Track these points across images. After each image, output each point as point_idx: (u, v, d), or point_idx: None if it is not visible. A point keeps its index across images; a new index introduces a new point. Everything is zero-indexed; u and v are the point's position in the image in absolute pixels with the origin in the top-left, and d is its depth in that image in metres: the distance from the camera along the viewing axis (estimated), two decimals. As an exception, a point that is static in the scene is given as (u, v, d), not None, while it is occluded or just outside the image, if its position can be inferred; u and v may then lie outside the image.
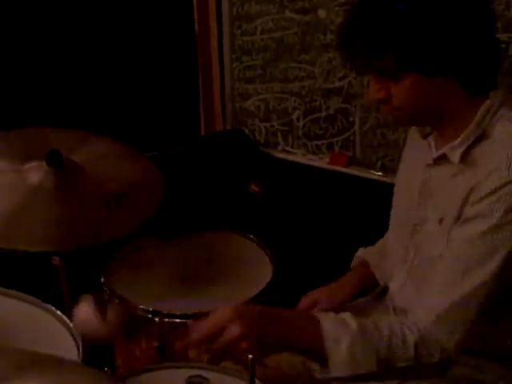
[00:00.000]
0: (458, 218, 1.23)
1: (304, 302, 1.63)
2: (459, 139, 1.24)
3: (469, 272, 1.18)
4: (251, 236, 1.75)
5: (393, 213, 1.54)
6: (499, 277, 1.18)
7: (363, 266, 1.66)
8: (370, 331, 1.19)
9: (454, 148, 1.25)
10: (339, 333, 1.17)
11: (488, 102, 1.23)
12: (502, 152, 1.18)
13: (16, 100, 2.08)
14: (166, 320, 1.45)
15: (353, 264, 1.69)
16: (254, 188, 2.12)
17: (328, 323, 1.19)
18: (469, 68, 1.20)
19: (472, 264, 1.18)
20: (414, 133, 1.45)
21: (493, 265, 1.17)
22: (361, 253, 1.68)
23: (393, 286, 1.48)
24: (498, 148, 1.20)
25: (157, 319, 1.45)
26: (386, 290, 1.55)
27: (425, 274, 1.31)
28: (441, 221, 1.29)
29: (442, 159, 1.30)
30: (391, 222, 1.56)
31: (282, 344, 1.20)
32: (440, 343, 1.19)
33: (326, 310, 1.55)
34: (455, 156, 1.25)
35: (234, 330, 1.13)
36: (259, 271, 1.63)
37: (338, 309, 1.51)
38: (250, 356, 0.96)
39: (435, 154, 1.32)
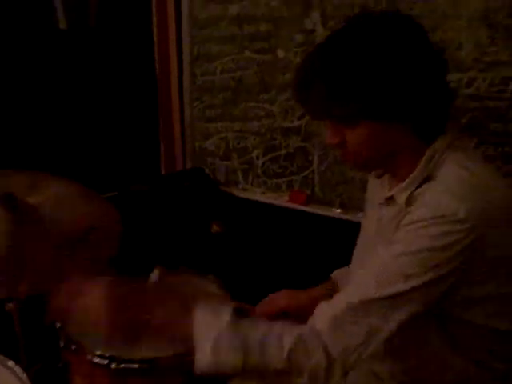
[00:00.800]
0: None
1: (264, 302, 1.63)
2: (405, 182, 1.27)
3: (377, 284, 1.18)
4: (211, 277, 1.74)
5: (355, 253, 1.55)
6: (402, 303, 1.16)
7: (332, 283, 1.65)
8: (242, 327, 1.19)
9: (401, 190, 1.28)
10: (209, 324, 1.18)
11: (435, 146, 1.25)
12: (439, 191, 1.19)
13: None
14: (122, 366, 1.43)
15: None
16: (216, 228, 2.12)
17: (200, 314, 1.20)
18: (421, 115, 1.22)
19: (379, 280, 1.18)
20: (371, 175, 1.48)
21: (397, 288, 1.16)
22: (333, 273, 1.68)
23: None
24: (435, 188, 1.22)
25: (113, 365, 1.42)
26: None
27: None
28: None
29: (391, 199, 1.32)
30: (352, 263, 1.56)
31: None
32: (325, 343, 1.17)
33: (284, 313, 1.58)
34: (401, 198, 1.28)
35: None
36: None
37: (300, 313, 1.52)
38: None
39: (386, 194, 1.34)
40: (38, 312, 1.60)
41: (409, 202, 1.26)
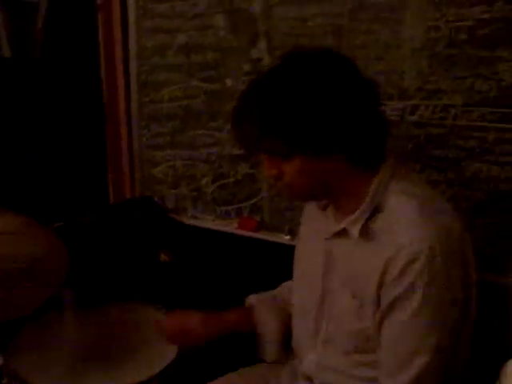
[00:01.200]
0: (378, 299, 1.25)
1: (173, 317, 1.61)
2: (356, 214, 1.28)
3: (412, 354, 1.20)
4: (160, 307, 1.72)
5: (296, 283, 1.56)
6: (445, 351, 1.20)
7: (247, 309, 1.66)
8: None
9: (352, 222, 1.29)
10: None
11: (379, 176, 1.28)
12: (402, 230, 1.22)
13: None
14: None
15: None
16: (164, 257, 2.10)
17: None
18: (355, 146, 1.25)
19: (413, 346, 1.20)
20: (307, 205, 1.49)
21: (432, 341, 1.19)
22: (250, 298, 1.69)
23: (310, 358, 1.46)
24: (394, 221, 1.24)
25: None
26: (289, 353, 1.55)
27: (346, 348, 1.33)
28: (354, 296, 1.31)
29: (342, 233, 1.33)
30: (295, 295, 1.56)
31: None
32: None
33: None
34: (354, 231, 1.29)
35: None
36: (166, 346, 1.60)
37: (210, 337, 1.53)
38: None
39: (335, 228, 1.35)
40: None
41: (362, 233, 1.28)
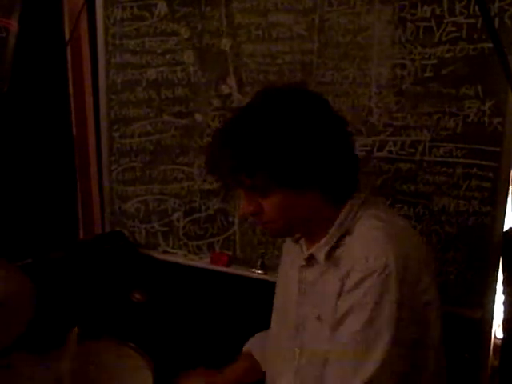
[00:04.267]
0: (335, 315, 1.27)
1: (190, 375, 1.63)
2: (324, 240, 1.31)
3: (358, 368, 1.20)
4: (132, 344, 1.70)
5: (274, 314, 1.57)
6: (392, 362, 1.20)
7: (247, 356, 1.67)
8: None
9: (320, 248, 1.32)
10: None
11: (350, 203, 1.31)
12: (361, 246, 1.25)
13: None
14: None
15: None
16: (137, 296, 2.08)
17: None
18: (330, 180, 1.28)
19: (358, 360, 1.20)
20: (287, 240, 1.51)
21: (377, 356, 1.19)
22: (247, 345, 1.70)
23: None
24: (357, 243, 1.27)
25: None
26: None
27: (314, 374, 1.33)
28: (319, 318, 1.33)
29: (311, 260, 1.36)
30: (272, 324, 1.57)
31: None
32: None
33: None
34: (321, 255, 1.32)
35: None
36: (140, 381, 1.58)
37: None
38: None
39: (305, 254, 1.37)
40: None
41: (329, 258, 1.31)
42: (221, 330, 2.11)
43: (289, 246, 1.53)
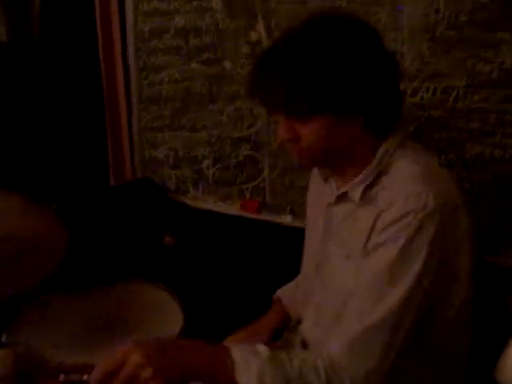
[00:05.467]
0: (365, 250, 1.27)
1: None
2: (359, 177, 1.30)
3: (377, 301, 1.20)
4: (162, 285, 1.74)
5: (304, 256, 1.58)
6: (409, 305, 1.20)
7: (279, 304, 1.69)
8: (280, 360, 1.18)
9: (355, 186, 1.31)
10: (249, 361, 1.16)
11: (387, 143, 1.30)
12: (400, 185, 1.24)
13: None
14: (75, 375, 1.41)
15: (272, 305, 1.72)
16: (168, 240, 2.10)
17: (238, 352, 1.17)
18: (374, 110, 1.26)
19: (379, 293, 1.20)
20: (316, 176, 1.50)
21: (398, 294, 1.19)
22: (277, 292, 1.71)
23: (305, 324, 1.51)
24: (395, 183, 1.26)
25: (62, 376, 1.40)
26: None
27: (333, 312, 1.34)
28: (348, 257, 1.33)
29: (342, 198, 1.35)
30: (302, 267, 1.59)
31: (187, 372, 1.15)
32: (349, 373, 1.19)
33: None
34: (356, 194, 1.31)
35: (132, 360, 1.10)
36: (170, 321, 1.61)
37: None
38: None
39: (337, 192, 1.37)
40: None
41: (364, 197, 1.30)
42: (250, 277, 2.13)
43: (316, 185, 1.52)
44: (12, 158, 2.15)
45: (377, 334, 1.20)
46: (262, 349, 1.19)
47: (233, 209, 2.22)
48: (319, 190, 1.49)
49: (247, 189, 2.20)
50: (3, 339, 1.51)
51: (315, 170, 1.52)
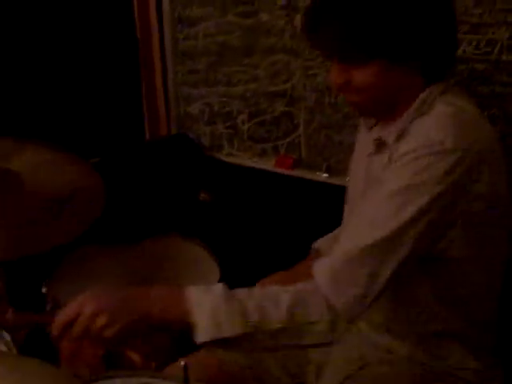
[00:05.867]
0: None
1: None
2: (397, 122, 1.27)
3: (371, 228, 1.18)
4: (198, 241, 1.74)
5: (345, 208, 1.55)
6: (403, 238, 1.16)
7: (316, 254, 1.65)
8: (237, 295, 1.17)
9: (391, 132, 1.28)
10: (202, 298, 1.15)
11: (429, 89, 1.26)
12: (426, 125, 1.21)
13: None
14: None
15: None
16: (204, 196, 2.10)
17: (191, 291, 1.17)
18: (431, 59, 1.23)
19: (376, 221, 1.18)
20: (361, 127, 1.48)
21: (394, 225, 1.16)
22: (315, 243, 1.68)
23: None
24: (427, 121, 1.22)
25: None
26: None
27: None
28: None
29: (381, 146, 1.32)
30: (344, 219, 1.56)
31: (143, 317, 1.15)
32: (329, 301, 1.17)
33: None
34: (390, 138, 1.28)
35: (88, 308, 1.13)
36: (206, 276, 1.62)
37: None
38: (183, 362, 0.95)
39: (375, 139, 1.34)
40: (24, 275, 1.59)
41: (398, 139, 1.27)
42: (284, 234, 2.12)
43: (361, 137, 1.49)
44: (49, 113, 2.15)
45: (365, 262, 1.17)
46: (217, 287, 1.18)
47: (268, 165, 2.19)
48: (363, 141, 1.46)
49: (282, 145, 2.17)
50: (43, 290, 1.54)
51: (361, 122, 1.49)
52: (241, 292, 1.18)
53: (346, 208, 1.54)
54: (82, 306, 1.14)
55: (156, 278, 1.61)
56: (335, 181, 2.04)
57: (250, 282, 1.87)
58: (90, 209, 1.46)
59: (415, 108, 1.25)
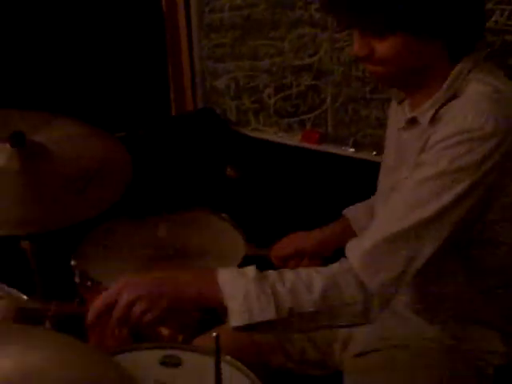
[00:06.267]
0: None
1: (284, 241, 1.67)
2: (430, 102, 1.24)
3: (410, 210, 1.16)
4: (224, 215, 1.74)
5: (378, 182, 1.53)
6: (437, 226, 1.15)
7: (344, 220, 1.66)
8: (269, 279, 1.16)
9: (424, 111, 1.25)
10: (235, 283, 1.15)
11: (462, 64, 1.23)
12: (463, 106, 1.18)
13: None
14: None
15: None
16: (230, 172, 2.10)
17: (224, 275, 1.17)
18: (456, 31, 1.20)
19: (416, 203, 1.16)
20: (393, 102, 1.45)
21: (434, 208, 1.15)
22: (346, 210, 1.67)
23: None
24: (461, 104, 1.20)
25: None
26: None
27: None
28: (406, 178, 1.28)
29: (413, 123, 1.30)
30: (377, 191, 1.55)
31: (180, 301, 1.17)
32: (363, 283, 1.16)
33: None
34: (425, 118, 1.25)
35: (125, 295, 1.14)
36: (232, 249, 1.62)
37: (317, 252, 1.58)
38: (215, 333, 0.95)
39: (407, 116, 1.32)
40: (53, 249, 1.61)
41: (433, 121, 1.24)
42: (310, 209, 2.11)
43: (393, 110, 1.47)
44: (77, 88, 2.15)
45: (402, 245, 1.16)
46: (249, 270, 1.17)
47: (294, 140, 2.17)
48: (394, 115, 1.44)
49: (309, 119, 2.14)
50: (72, 263, 1.56)
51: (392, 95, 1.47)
52: (273, 275, 1.17)
53: (379, 184, 1.52)
54: (119, 294, 1.15)
55: (182, 251, 1.62)
56: (362, 155, 2.02)
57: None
58: (117, 183, 1.47)
59: (447, 87, 1.22)
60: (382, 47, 1.19)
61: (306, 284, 1.15)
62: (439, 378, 1.32)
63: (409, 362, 1.35)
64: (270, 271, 1.19)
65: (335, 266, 1.19)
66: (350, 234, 1.57)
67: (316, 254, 1.64)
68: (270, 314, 1.14)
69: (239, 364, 1.20)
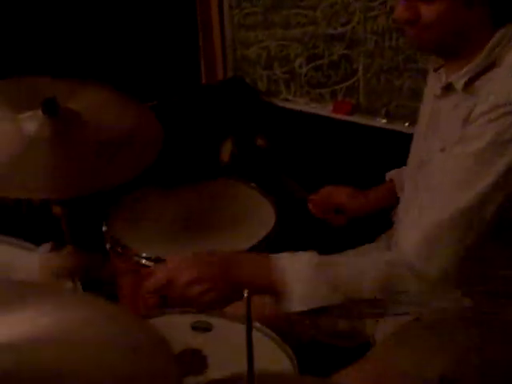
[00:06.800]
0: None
1: (323, 191, 1.68)
2: (467, 68, 1.22)
3: (458, 190, 1.16)
4: (253, 184, 1.73)
5: (410, 151, 1.52)
6: (488, 202, 1.15)
7: (389, 183, 1.65)
8: (328, 264, 1.18)
9: (460, 76, 1.23)
10: (294, 268, 1.17)
11: (503, 31, 1.20)
12: (505, 77, 1.16)
13: (12, 48, 2.03)
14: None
15: None
16: (260, 142, 2.08)
17: (283, 260, 1.18)
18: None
19: (463, 182, 1.16)
20: (430, 69, 1.43)
21: (482, 185, 1.14)
22: (389, 173, 1.66)
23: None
24: (502, 75, 1.18)
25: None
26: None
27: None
28: (443, 150, 1.27)
29: (449, 90, 1.28)
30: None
31: (239, 286, 1.18)
32: (418, 270, 1.17)
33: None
34: (459, 84, 1.23)
35: (184, 276, 1.16)
36: (263, 219, 1.62)
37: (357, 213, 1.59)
38: (246, 293, 0.95)
39: (443, 83, 1.29)
40: (84, 215, 1.62)
41: (469, 89, 1.22)
42: (341, 180, 2.09)
43: (429, 79, 1.45)
44: (109, 56, 2.16)
45: (455, 227, 1.16)
46: (307, 255, 1.19)
47: (325, 111, 2.15)
48: (430, 83, 1.42)
49: (340, 89, 2.12)
50: (103, 229, 1.57)
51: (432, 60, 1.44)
52: (331, 261, 1.20)
53: (410, 153, 1.50)
54: (176, 274, 1.17)
55: (212, 219, 1.62)
56: (394, 126, 2.00)
57: (305, 230, 1.87)
58: (148, 151, 1.47)
59: (486, 54, 1.20)
60: (430, 11, 1.18)
61: (364, 271, 1.18)
62: (478, 345, 1.31)
63: (446, 328, 1.34)
64: (328, 257, 1.21)
65: (391, 255, 1.22)
66: (390, 198, 1.58)
67: (353, 216, 1.64)
68: (328, 299, 1.16)
69: (269, 331, 1.21)
